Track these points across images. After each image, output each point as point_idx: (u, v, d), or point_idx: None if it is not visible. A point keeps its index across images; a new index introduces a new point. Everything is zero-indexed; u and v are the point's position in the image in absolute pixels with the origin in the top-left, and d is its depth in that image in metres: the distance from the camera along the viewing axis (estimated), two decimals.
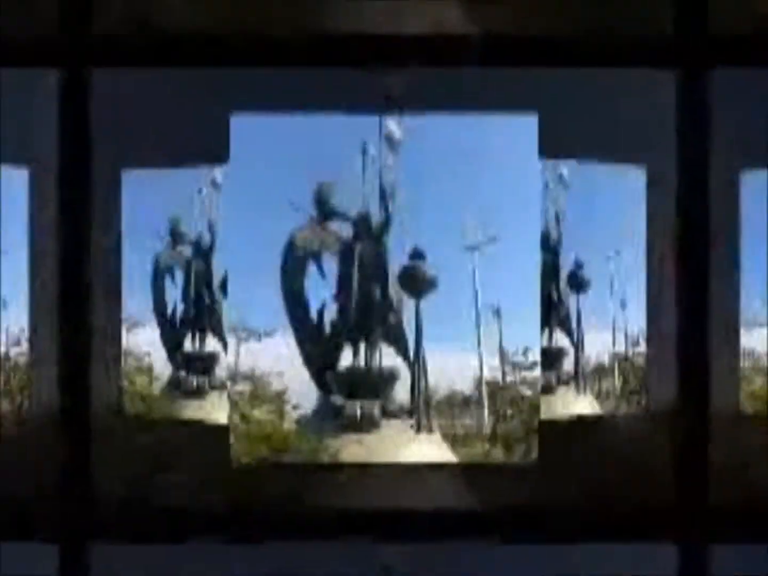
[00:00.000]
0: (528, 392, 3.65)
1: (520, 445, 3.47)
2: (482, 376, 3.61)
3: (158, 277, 3.98)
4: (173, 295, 4.08)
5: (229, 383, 3.75)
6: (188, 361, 3.90)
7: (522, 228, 3.58)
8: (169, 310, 4.00)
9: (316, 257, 3.82)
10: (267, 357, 3.69)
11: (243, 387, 3.67)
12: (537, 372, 3.64)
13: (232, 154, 3.50)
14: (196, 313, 4.04)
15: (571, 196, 3.71)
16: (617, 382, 3.71)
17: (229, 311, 3.88)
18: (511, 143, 3.46)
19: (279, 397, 3.62)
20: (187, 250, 4.00)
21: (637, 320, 3.58)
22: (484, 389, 3.62)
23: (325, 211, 3.77)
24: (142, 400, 3.78)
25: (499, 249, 3.62)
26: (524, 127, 3.39)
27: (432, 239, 3.71)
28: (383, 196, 3.67)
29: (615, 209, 3.59)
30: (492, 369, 3.63)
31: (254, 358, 3.71)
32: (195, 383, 3.81)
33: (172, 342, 3.97)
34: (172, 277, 4.01)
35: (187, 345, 3.95)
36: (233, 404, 3.65)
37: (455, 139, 3.45)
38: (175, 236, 3.97)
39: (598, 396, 3.74)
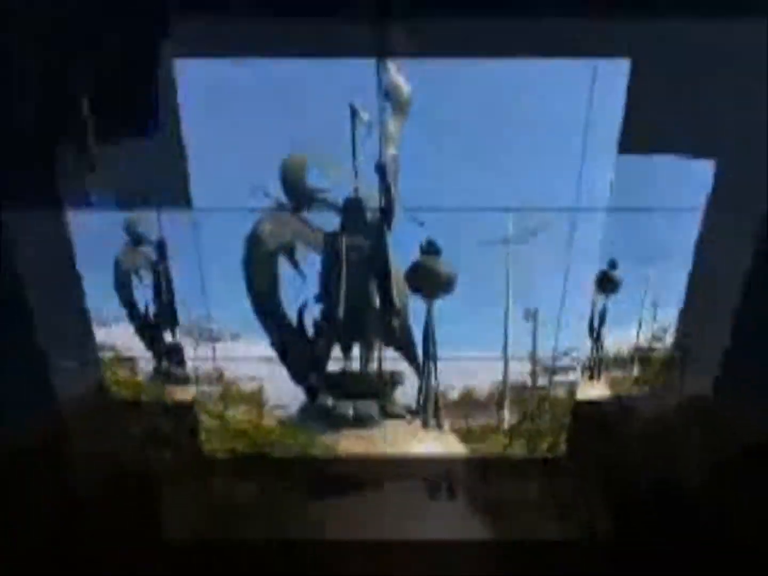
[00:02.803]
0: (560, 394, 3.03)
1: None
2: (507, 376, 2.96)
3: (122, 278, 3.32)
4: (143, 294, 3.45)
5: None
6: (169, 352, 3.33)
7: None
8: (141, 309, 3.39)
9: (288, 252, 2.90)
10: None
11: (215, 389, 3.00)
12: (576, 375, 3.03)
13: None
14: (170, 313, 3.31)
15: None
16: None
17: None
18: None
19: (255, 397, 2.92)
20: (150, 252, 3.34)
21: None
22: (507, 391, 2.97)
23: (299, 197, 2.78)
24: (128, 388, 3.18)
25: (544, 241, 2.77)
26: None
27: (450, 228, 2.82)
28: (382, 175, 2.72)
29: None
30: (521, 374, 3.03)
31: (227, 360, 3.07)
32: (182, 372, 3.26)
33: (148, 338, 3.37)
34: (139, 278, 3.41)
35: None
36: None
37: (487, 95, 2.55)
38: (135, 237, 3.26)
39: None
